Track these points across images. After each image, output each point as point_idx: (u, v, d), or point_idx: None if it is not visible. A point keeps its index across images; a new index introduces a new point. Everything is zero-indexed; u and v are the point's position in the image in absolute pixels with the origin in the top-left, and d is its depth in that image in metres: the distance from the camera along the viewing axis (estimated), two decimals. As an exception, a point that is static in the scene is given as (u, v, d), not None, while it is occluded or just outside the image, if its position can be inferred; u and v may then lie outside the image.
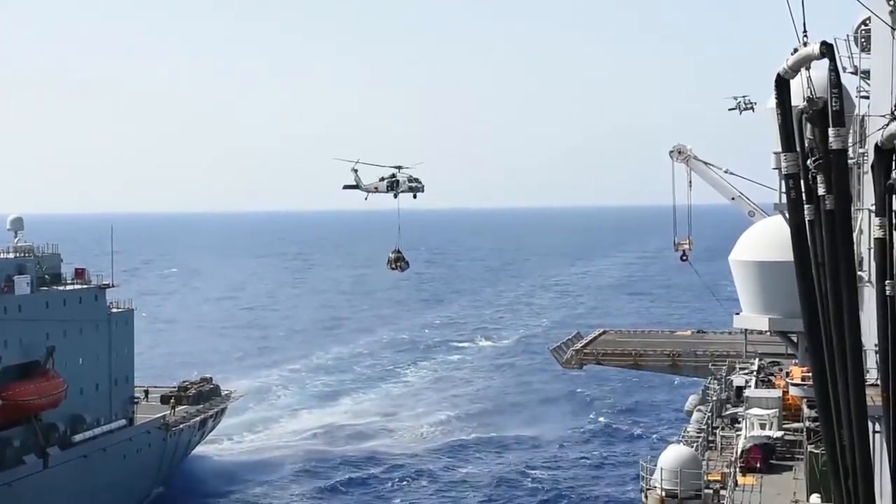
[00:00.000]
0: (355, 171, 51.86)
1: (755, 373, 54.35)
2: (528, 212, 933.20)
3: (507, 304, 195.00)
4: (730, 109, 57.44)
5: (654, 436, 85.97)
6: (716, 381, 55.25)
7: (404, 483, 77.88)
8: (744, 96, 57.01)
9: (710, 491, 37.09)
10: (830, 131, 10.92)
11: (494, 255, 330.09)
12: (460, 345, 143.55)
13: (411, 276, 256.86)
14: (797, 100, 11.29)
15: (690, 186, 63.07)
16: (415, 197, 53.56)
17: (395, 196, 53.17)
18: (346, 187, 52.35)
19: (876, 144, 11.45)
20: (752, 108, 56.60)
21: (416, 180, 53.33)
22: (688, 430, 48.25)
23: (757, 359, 58.58)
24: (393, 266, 55.92)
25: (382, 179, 52.74)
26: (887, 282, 11.47)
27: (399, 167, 53.25)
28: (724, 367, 58.94)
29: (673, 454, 38.24)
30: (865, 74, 35.59)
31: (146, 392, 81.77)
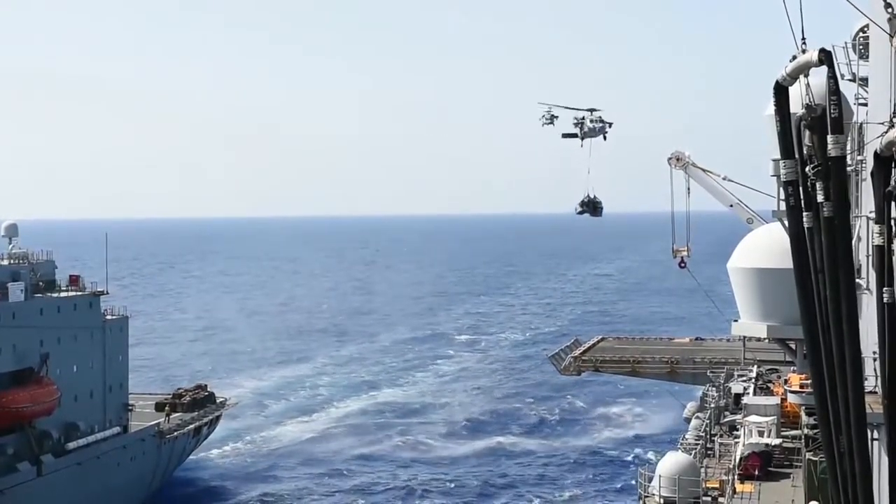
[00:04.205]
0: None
1: (753, 380, 54.27)
2: (530, 218, 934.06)
3: (507, 309, 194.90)
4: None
5: (652, 443, 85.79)
6: (714, 389, 55.16)
7: (399, 487, 77.63)
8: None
9: (709, 498, 36.97)
10: (829, 138, 10.88)
11: (493, 261, 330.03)
12: (454, 351, 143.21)
13: (403, 279, 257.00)
14: (796, 107, 11.25)
15: (689, 193, 63.11)
16: (605, 139, 53.76)
17: (582, 140, 53.56)
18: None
19: (875, 152, 11.41)
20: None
21: (601, 120, 53.55)
22: (686, 437, 48.09)
23: (755, 366, 58.49)
24: (587, 209, 56.10)
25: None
26: (885, 289, 11.41)
27: (592, 110, 53.74)
28: (722, 375, 58.87)
29: (671, 461, 38.13)
30: (864, 81, 35.57)
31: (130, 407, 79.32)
